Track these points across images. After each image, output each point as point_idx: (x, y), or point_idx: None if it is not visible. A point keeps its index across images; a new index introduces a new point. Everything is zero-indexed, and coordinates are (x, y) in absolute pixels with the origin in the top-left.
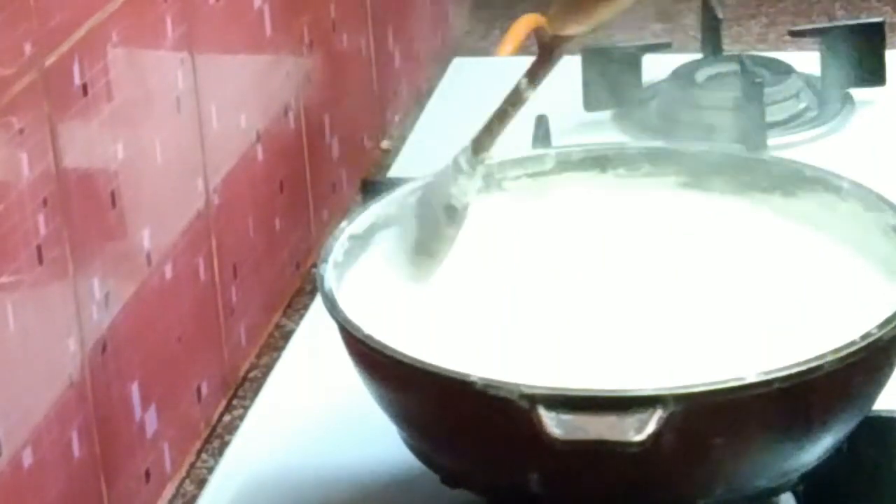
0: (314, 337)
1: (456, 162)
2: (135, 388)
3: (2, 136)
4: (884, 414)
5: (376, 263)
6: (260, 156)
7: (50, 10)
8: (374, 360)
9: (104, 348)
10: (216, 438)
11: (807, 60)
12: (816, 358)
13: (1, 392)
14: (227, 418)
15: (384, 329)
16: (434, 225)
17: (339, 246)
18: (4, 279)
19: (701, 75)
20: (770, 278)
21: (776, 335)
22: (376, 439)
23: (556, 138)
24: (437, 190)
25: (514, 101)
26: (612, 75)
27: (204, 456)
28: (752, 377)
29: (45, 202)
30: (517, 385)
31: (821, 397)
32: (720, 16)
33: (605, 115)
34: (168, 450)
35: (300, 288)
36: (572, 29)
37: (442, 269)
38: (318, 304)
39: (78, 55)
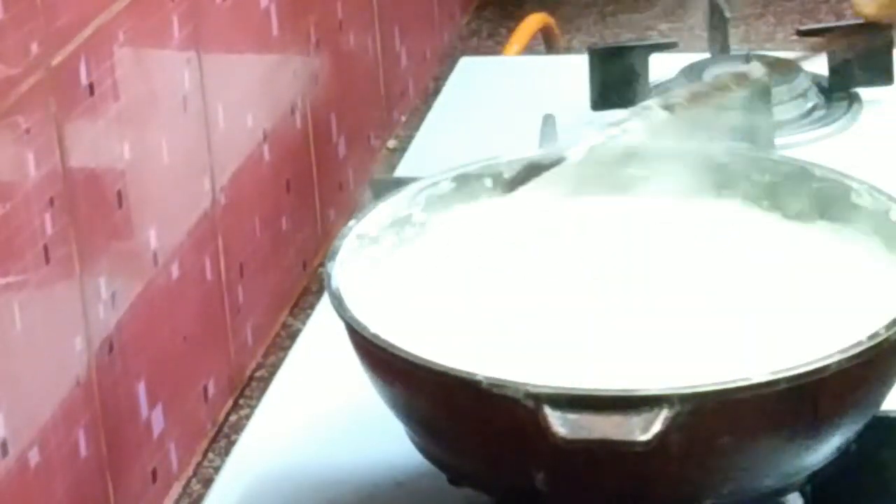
0: (321, 336)
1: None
2: (141, 388)
3: (8, 135)
4: (892, 414)
5: (384, 262)
6: (266, 155)
7: (56, 10)
8: (381, 359)
9: (111, 348)
10: (223, 438)
11: (814, 60)
12: (824, 358)
13: (7, 391)
14: (233, 418)
15: (391, 328)
16: None
17: (346, 245)
18: (11, 279)
19: (708, 75)
20: (777, 277)
21: (783, 335)
22: (383, 438)
23: (563, 137)
24: None
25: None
26: (619, 74)
27: (210, 455)
28: (758, 377)
29: (51, 202)
30: (523, 384)
31: (828, 397)
32: (727, 15)
33: (612, 114)
34: (174, 449)
35: (307, 287)
36: None
37: (446, 269)
38: (324, 303)
39: (84, 55)
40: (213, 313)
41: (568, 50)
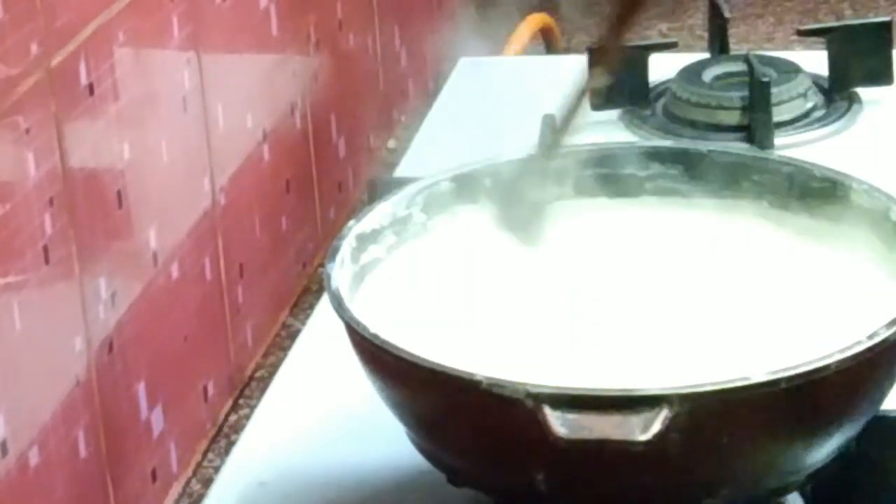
0: (321, 336)
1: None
2: (141, 388)
3: (8, 135)
4: (892, 414)
5: (384, 262)
6: (266, 155)
7: (56, 10)
8: (380, 359)
9: (110, 348)
10: (222, 438)
11: (814, 60)
12: (823, 358)
13: (7, 391)
14: (233, 418)
15: (391, 328)
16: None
17: (346, 245)
18: (11, 279)
19: (708, 75)
20: (777, 278)
21: (783, 335)
22: (383, 438)
23: (563, 138)
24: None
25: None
26: (618, 75)
27: (210, 455)
28: (758, 377)
29: (51, 202)
30: (523, 384)
31: (828, 397)
32: (727, 15)
33: (612, 114)
34: (174, 449)
35: (306, 287)
36: None
37: (445, 269)
38: (324, 303)
39: (84, 55)
40: (213, 313)
41: (568, 50)
